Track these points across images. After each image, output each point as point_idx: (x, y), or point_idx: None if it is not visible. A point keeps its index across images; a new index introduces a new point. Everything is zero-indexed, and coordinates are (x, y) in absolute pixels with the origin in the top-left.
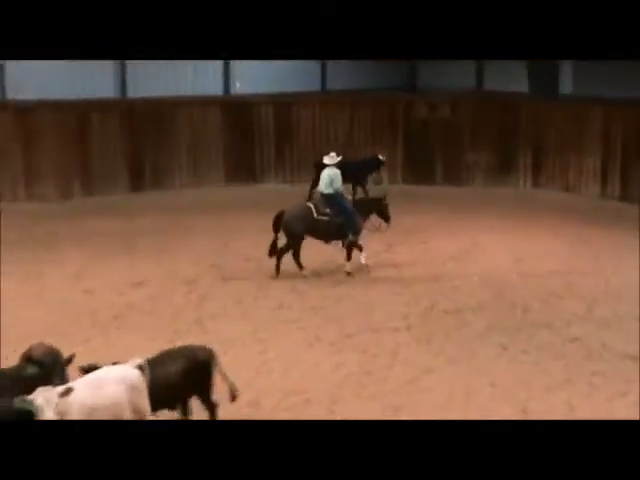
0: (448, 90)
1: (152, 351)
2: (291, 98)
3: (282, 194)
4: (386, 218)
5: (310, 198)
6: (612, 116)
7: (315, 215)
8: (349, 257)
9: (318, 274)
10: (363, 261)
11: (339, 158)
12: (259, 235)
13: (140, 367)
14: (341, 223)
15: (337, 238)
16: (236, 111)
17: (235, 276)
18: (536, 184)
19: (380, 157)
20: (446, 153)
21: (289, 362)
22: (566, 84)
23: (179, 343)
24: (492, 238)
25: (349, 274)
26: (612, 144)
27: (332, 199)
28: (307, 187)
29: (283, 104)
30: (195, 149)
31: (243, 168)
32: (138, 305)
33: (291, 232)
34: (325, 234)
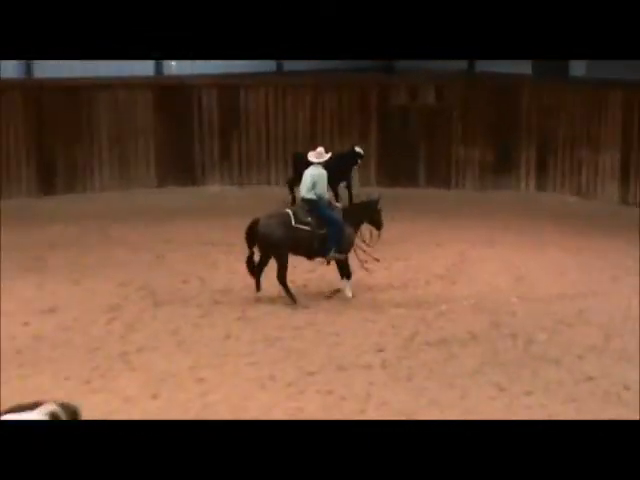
0: (433, 71)
1: (66, 393)
2: (240, 80)
3: (229, 199)
4: (378, 226)
5: (294, 201)
6: (634, 103)
7: (293, 223)
8: (348, 274)
9: (273, 298)
10: (348, 294)
11: (328, 155)
12: (200, 249)
13: (53, 414)
14: (325, 236)
15: (321, 254)
16: (171, 96)
17: (170, 300)
18: (541, 186)
19: (357, 149)
20: (431, 148)
21: (236, 406)
22: (578, 65)
23: (98, 383)
24: (487, 252)
25: (332, 294)
26: (634, 137)
27: (314, 206)
28: (259, 189)
29: (230, 87)
30: (120, 142)
31: (180, 166)
32: (48, 336)
33: (270, 244)
34: (306, 248)
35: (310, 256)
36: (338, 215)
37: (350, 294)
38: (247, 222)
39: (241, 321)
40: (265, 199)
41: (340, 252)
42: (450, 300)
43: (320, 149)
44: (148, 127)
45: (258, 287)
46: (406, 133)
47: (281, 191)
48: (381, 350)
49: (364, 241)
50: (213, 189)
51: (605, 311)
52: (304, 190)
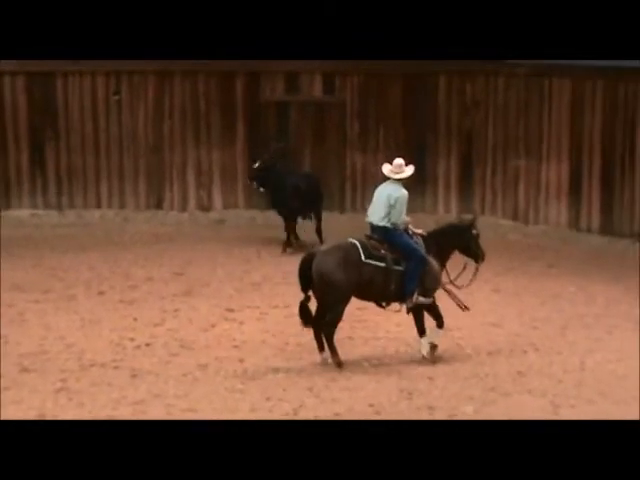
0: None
1: None
2: (56, 64)
3: (44, 228)
4: (476, 256)
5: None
6: (584, 96)
7: (363, 257)
8: (421, 331)
9: (105, 362)
10: (424, 352)
11: (410, 170)
12: (2, 297)
13: None
14: (403, 274)
15: (399, 298)
16: None
17: None
18: (465, 207)
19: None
20: (318, 157)
21: None
22: None
23: None
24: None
25: (426, 358)
26: (585, 141)
27: (388, 234)
28: (87, 215)
29: (43, 74)
30: None
31: None
32: None
33: (329, 287)
34: (379, 291)
35: (384, 301)
36: (420, 244)
37: (425, 352)
38: (69, 260)
39: (60, 395)
40: (97, 228)
41: (425, 295)
42: (345, 362)
43: (399, 161)
44: None
45: (321, 347)
46: (284, 137)
47: (117, 216)
48: None
49: (451, 281)
50: (20, 214)
51: (551, 373)
52: (376, 215)
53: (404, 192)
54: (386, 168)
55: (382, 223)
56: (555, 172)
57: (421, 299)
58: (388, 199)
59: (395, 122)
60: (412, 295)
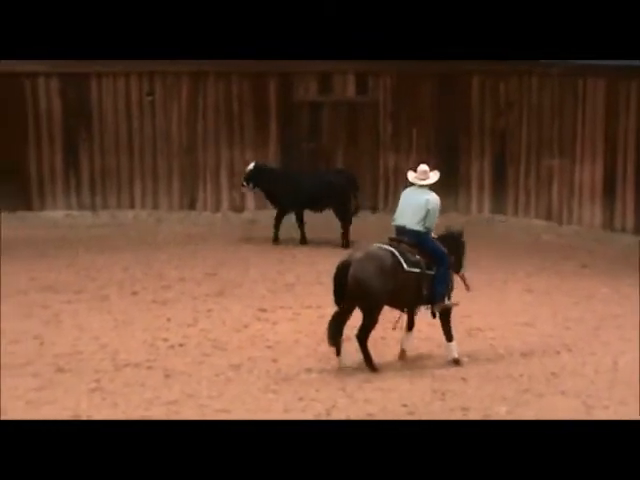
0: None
1: None
2: (91, 65)
3: (78, 228)
4: (460, 266)
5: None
6: (620, 96)
7: (405, 266)
8: (449, 336)
9: (139, 362)
10: (454, 355)
11: (435, 176)
12: (37, 298)
13: None
14: (432, 278)
15: (427, 303)
16: None
17: None
18: (498, 207)
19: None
20: (351, 157)
21: None
22: None
23: None
24: None
25: (457, 362)
26: (620, 140)
27: (423, 240)
28: (120, 216)
29: (77, 76)
30: None
31: (7, 183)
32: None
33: (365, 295)
34: (413, 297)
35: (413, 307)
36: (445, 249)
37: (456, 353)
38: (102, 260)
39: (95, 395)
40: (131, 229)
41: (449, 296)
42: (378, 363)
43: (423, 167)
44: None
45: (339, 351)
46: (317, 137)
47: (151, 217)
48: None
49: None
50: (55, 215)
51: (584, 374)
52: (409, 219)
53: (438, 197)
54: (411, 175)
55: (417, 227)
56: (589, 172)
57: (448, 302)
58: (426, 204)
59: (428, 122)
60: (442, 299)
